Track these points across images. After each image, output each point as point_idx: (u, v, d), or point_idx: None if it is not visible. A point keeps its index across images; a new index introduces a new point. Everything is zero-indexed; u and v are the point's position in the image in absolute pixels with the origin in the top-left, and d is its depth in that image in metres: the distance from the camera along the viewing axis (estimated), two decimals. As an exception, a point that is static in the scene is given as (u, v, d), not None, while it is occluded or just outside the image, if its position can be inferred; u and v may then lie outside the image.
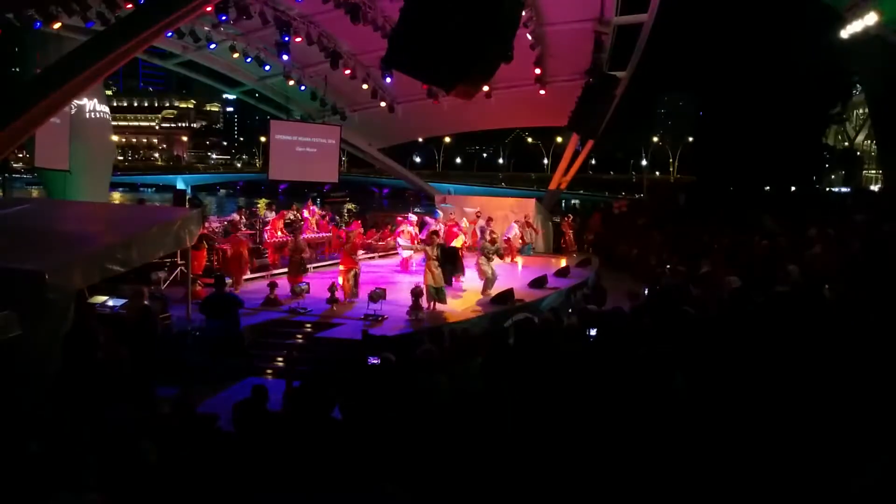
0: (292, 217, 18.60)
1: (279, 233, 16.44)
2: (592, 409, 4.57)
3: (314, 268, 16.66)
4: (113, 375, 6.95)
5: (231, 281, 12.87)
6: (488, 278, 14.09)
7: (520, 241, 19.73)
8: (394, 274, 16.84)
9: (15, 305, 5.97)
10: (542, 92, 18.68)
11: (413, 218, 18.31)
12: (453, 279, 12.10)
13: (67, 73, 7.55)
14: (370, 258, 19.42)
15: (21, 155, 53.70)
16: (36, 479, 3.63)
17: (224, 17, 15.13)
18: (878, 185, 43.62)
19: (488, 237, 14.53)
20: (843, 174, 49.91)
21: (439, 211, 20.71)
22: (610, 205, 35.84)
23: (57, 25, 14.19)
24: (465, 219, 19.08)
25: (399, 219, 19.47)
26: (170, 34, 15.43)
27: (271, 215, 18.01)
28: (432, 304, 12.39)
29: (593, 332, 6.65)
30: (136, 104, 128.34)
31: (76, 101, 16.23)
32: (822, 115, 44.10)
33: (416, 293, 11.96)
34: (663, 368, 4.92)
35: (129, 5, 13.51)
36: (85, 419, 5.27)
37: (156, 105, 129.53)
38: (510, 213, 21.61)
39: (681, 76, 57.69)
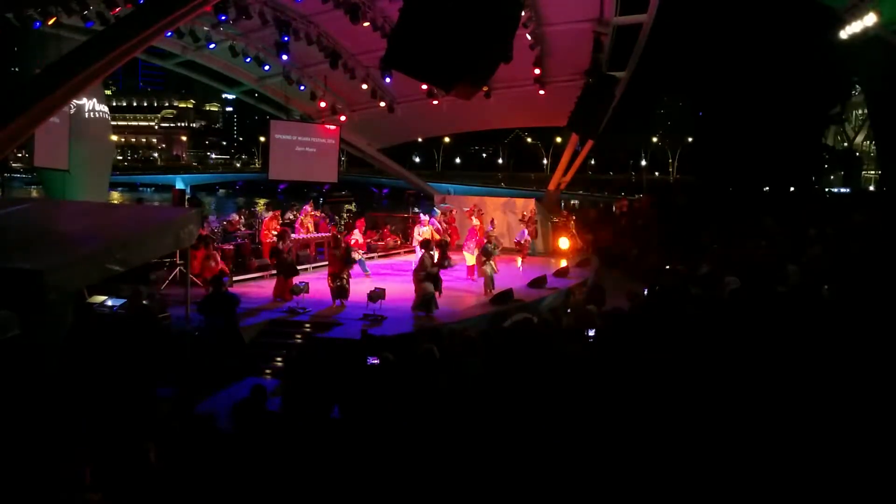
0: (292, 217, 18.59)
1: (274, 232, 16.39)
2: (592, 409, 4.57)
3: (314, 267, 16.66)
4: (112, 375, 6.94)
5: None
6: (489, 277, 14.13)
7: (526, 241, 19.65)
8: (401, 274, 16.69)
9: (14, 305, 5.97)
10: (542, 92, 18.67)
11: (426, 217, 18.09)
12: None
13: (67, 73, 7.55)
14: (369, 258, 19.37)
15: (20, 154, 53.70)
16: (36, 478, 3.62)
17: (223, 17, 15.12)
18: (875, 186, 43.67)
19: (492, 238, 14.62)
20: (842, 175, 49.95)
21: (437, 209, 20.54)
22: (609, 204, 35.86)
23: (53, 22, 14.16)
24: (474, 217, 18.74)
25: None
26: (169, 34, 15.42)
27: (268, 215, 18.00)
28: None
29: (591, 332, 6.66)
30: (135, 104, 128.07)
31: (75, 101, 16.22)
32: (821, 115, 44.11)
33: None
34: (663, 369, 4.92)
35: (129, 5, 13.51)
36: (84, 419, 5.27)
37: (155, 105, 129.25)
38: (510, 213, 21.61)
39: (680, 76, 57.55)
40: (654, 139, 78.92)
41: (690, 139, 70.51)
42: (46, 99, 7.56)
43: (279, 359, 10.73)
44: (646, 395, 4.62)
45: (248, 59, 18.18)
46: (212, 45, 17.39)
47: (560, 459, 3.98)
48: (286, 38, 16.18)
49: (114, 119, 25.06)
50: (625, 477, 3.80)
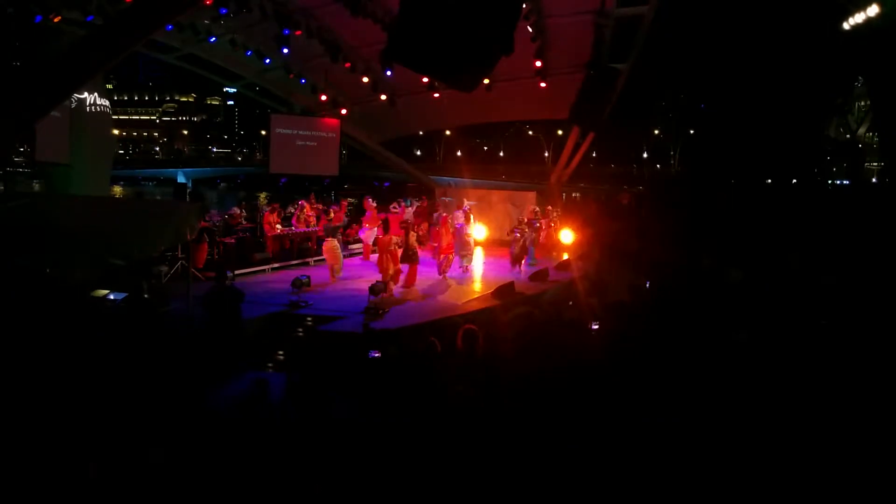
0: (292, 212, 18.56)
1: (278, 226, 16.47)
2: (595, 403, 4.58)
3: (314, 261, 16.68)
4: (114, 371, 6.96)
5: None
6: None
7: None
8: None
9: (16, 301, 5.97)
10: (543, 84, 18.59)
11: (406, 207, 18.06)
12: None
13: (67, 67, 7.53)
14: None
15: (22, 149, 53.58)
16: (41, 474, 3.63)
17: (224, 11, 15.06)
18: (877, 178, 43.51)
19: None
20: (844, 166, 49.79)
21: (409, 199, 20.28)
22: (610, 197, 35.79)
23: (57, 19, 14.13)
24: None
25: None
26: (170, 28, 15.37)
27: (267, 209, 17.99)
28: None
29: (595, 326, 6.67)
30: (136, 98, 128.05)
31: (76, 95, 16.16)
32: (823, 107, 43.96)
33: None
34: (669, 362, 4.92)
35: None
36: (87, 416, 5.28)
37: (156, 99, 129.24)
38: (510, 207, 21.61)
39: (682, 68, 57.36)
40: (656, 132, 78.67)
41: (692, 131, 70.32)
42: (47, 93, 7.54)
43: (281, 352, 10.74)
44: (649, 388, 4.63)
45: (249, 53, 18.13)
46: (212, 39, 17.36)
47: (563, 455, 3.99)
48: (286, 32, 16.14)
49: (115, 113, 25.05)
50: (625, 470, 3.80)
